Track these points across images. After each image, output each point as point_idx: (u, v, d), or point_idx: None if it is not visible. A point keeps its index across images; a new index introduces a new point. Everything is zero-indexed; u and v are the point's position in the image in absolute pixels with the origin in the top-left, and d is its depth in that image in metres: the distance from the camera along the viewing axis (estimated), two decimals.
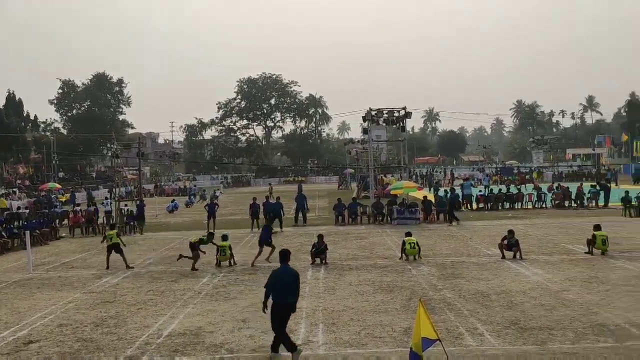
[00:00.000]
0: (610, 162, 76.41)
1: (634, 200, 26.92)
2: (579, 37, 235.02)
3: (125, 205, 31.55)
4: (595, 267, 14.74)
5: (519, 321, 10.14)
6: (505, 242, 16.34)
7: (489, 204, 31.67)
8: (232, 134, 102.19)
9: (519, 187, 37.67)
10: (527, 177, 56.08)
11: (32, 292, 14.34)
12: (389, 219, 26.38)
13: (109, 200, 32.84)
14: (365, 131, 38.77)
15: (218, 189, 59.35)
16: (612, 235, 17.65)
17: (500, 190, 34.00)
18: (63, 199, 46.06)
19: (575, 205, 30.93)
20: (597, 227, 16.75)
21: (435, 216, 26.85)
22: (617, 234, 19.54)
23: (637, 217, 25.79)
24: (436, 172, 69.16)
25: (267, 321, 9.01)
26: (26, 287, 14.98)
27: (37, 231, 23.58)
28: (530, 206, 31.47)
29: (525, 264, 15.38)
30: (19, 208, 34.28)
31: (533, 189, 35.49)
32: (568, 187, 33.05)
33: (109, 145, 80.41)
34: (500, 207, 31.31)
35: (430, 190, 39.97)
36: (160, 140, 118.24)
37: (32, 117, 76.69)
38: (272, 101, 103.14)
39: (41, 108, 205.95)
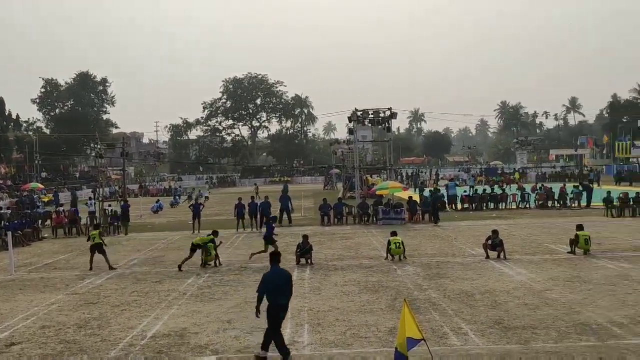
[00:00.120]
0: (593, 163, 77.31)
1: (615, 201, 27.33)
2: (563, 39, 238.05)
3: (109, 205, 31.29)
4: (578, 266, 14.91)
5: (503, 320, 10.22)
6: (490, 242, 16.46)
7: (473, 204, 31.92)
8: (217, 134, 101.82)
9: (503, 187, 37.98)
10: (511, 177, 56.60)
11: (14, 293, 14.15)
12: (374, 219, 26.47)
13: (93, 201, 32.48)
14: (350, 131, 38.90)
15: (204, 189, 59.11)
16: (594, 235, 17.90)
17: (484, 190, 34.25)
18: (46, 199, 45.61)
19: (558, 205, 31.27)
20: (580, 227, 16.95)
21: (421, 216, 27.02)
22: (599, 233, 19.83)
23: (618, 217, 26.15)
24: (422, 172, 69.50)
25: (252, 321, 8.98)
26: (8, 288, 14.78)
27: (19, 232, 23.32)
28: (514, 206, 31.75)
29: (509, 263, 15.51)
30: (0, 208, 33.83)
31: (517, 189, 35.84)
32: (551, 188, 33.41)
33: (92, 145, 79.65)
34: (484, 208, 31.57)
35: (415, 190, 40.16)
36: (145, 140, 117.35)
37: (14, 117, 75.80)
38: (258, 101, 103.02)
39: (23, 107, 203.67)
